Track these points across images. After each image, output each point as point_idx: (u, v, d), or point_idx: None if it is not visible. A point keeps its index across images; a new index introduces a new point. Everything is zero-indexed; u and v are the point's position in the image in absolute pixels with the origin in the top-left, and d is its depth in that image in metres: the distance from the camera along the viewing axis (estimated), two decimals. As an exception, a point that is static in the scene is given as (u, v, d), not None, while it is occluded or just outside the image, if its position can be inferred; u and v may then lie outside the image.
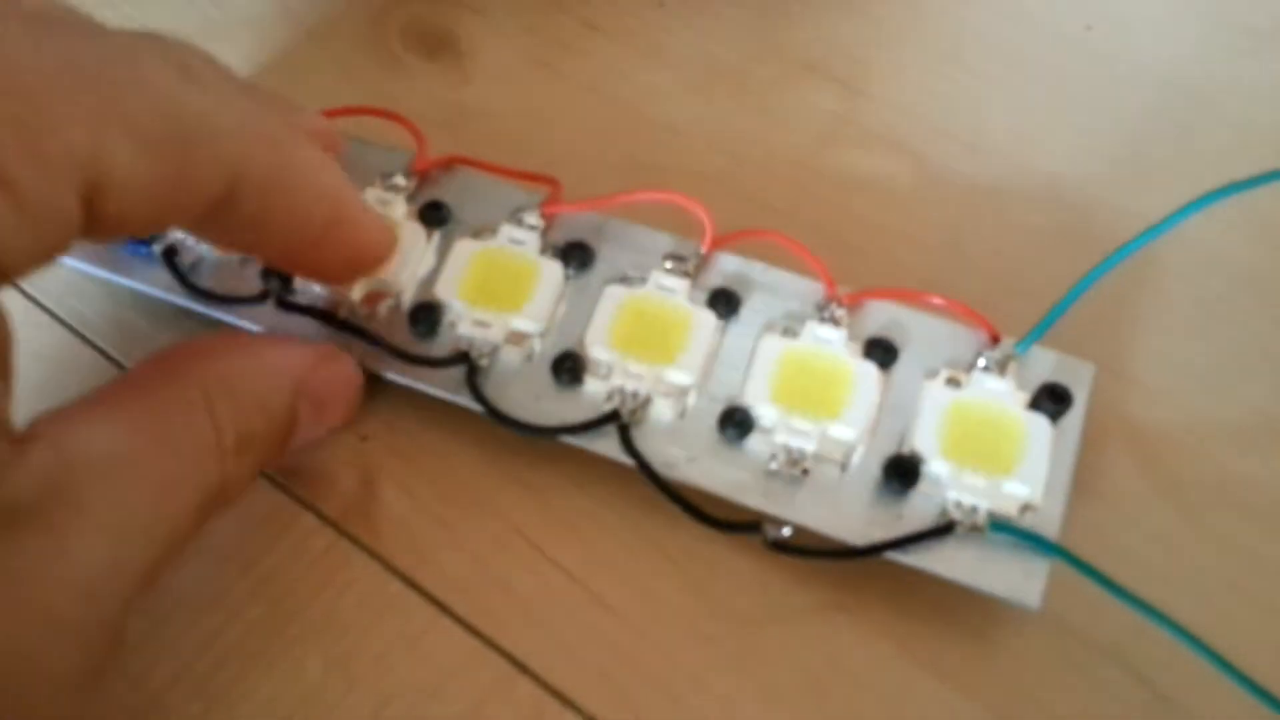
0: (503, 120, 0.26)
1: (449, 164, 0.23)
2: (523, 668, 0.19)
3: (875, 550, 0.19)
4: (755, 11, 0.29)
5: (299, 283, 0.21)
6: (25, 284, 0.23)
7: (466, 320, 0.21)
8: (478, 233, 0.22)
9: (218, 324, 0.21)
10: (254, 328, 0.21)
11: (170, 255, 0.21)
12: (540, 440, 0.20)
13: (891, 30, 0.29)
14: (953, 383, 0.20)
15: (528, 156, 0.25)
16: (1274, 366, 0.23)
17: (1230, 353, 0.23)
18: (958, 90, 0.27)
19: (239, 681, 0.19)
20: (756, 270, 0.22)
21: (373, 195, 0.22)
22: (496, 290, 0.21)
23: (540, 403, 0.20)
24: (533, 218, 0.22)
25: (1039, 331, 0.20)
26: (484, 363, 0.21)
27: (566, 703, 0.19)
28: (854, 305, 0.21)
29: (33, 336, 0.22)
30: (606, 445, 0.20)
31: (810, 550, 0.19)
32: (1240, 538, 0.21)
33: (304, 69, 0.27)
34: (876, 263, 0.24)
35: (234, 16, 0.28)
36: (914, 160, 0.26)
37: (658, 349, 0.20)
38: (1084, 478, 0.21)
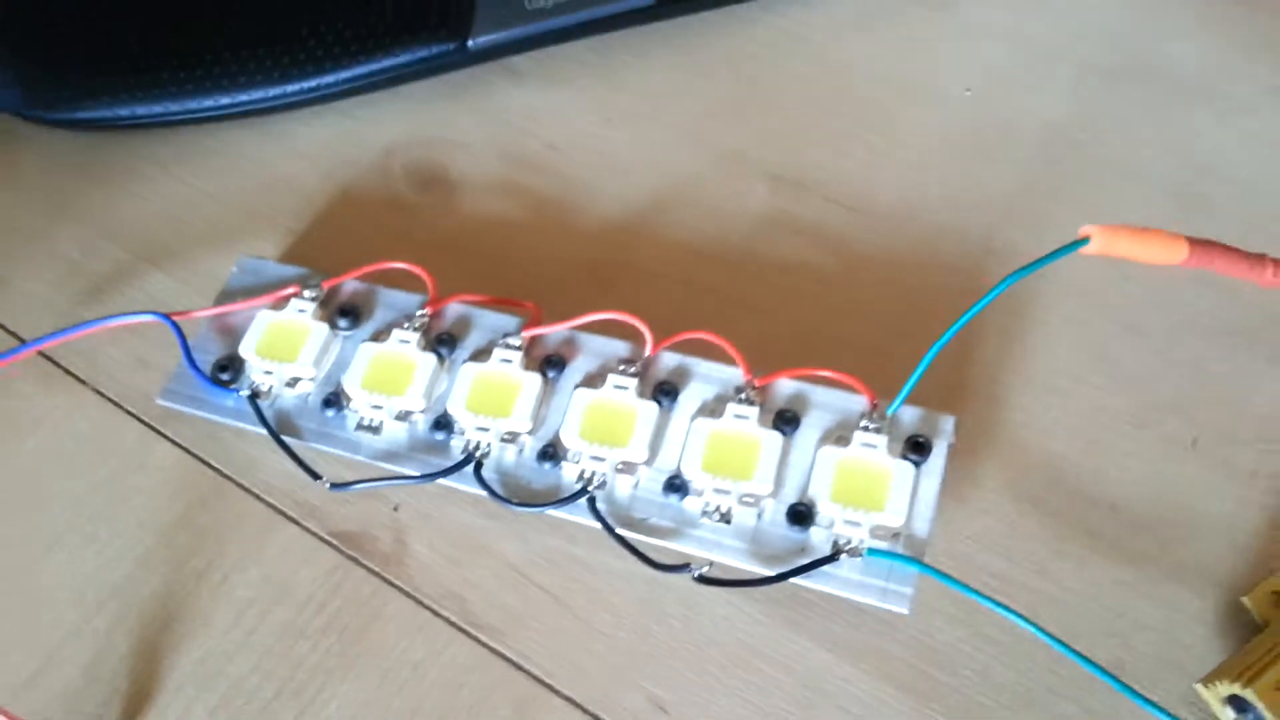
0: (486, 237, 0.33)
1: (452, 299, 0.30)
2: (519, 667, 0.26)
3: (780, 578, 0.25)
4: (692, 118, 0.35)
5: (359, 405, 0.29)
6: (156, 422, 0.30)
7: (471, 427, 0.28)
8: (476, 355, 0.29)
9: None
10: (327, 449, 0.28)
11: (254, 398, 0.29)
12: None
13: (810, 116, 0.35)
14: (840, 441, 0.27)
15: (509, 266, 0.32)
16: (1105, 387, 0.29)
17: (1073, 379, 0.29)
18: (856, 164, 0.33)
19: (324, 690, 0.26)
20: (690, 364, 0.28)
21: (398, 335, 0.29)
22: (493, 401, 0.28)
23: (531, 485, 0.27)
24: (516, 340, 0.29)
25: (901, 398, 0.26)
26: (486, 459, 0.28)
27: (553, 691, 0.26)
28: (765, 385, 0.28)
29: (159, 462, 0.30)
30: (580, 512, 0.27)
31: (728, 581, 0.26)
32: (1097, 529, 0.27)
33: (331, 216, 0.34)
34: (786, 328, 0.30)
35: (277, 175, 0.35)
36: (817, 235, 0.32)
37: (616, 436, 0.27)
38: (962, 495, 0.27)
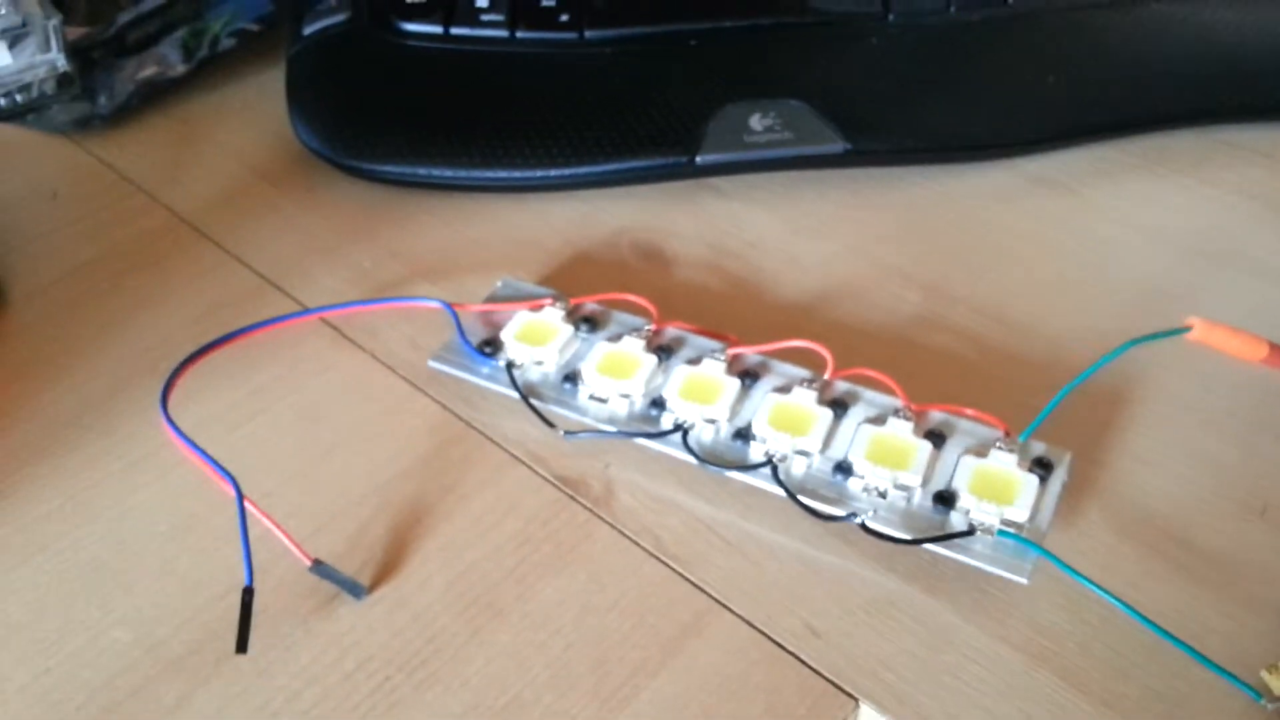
0: (693, 298, 0.41)
1: (671, 324, 0.38)
2: (699, 588, 0.32)
3: (924, 541, 0.31)
4: (861, 241, 0.44)
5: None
6: (420, 383, 0.38)
7: (681, 409, 0.35)
8: (691, 361, 0.37)
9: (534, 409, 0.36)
10: (561, 411, 0.36)
11: (509, 367, 0.37)
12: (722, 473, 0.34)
13: (955, 253, 0.43)
14: (980, 454, 0.33)
15: (710, 319, 0.40)
16: (1193, 455, 0.35)
17: (1167, 445, 0.36)
18: (992, 288, 0.41)
19: (541, 580, 0.32)
20: (859, 390, 0.36)
21: (627, 340, 0.37)
22: (700, 393, 0.35)
23: (724, 457, 0.34)
24: (721, 355, 0.36)
25: (1035, 424, 0.33)
26: (692, 433, 0.35)
27: (726, 608, 0.31)
28: (921, 411, 0.35)
29: (423, 416, 0.37)
30: (763, 478, 0.33)
31: (884, 535, 0.32)
32: (1179, 561, 0.33)
33: (570, 267, 0.43)
34: (931, 390, 0.37)
35: (528, 236, 0.44)
36: (959, 333, 0.40)
37: (798, 428, 0.34)
38: (1068, 523, 0.33)
